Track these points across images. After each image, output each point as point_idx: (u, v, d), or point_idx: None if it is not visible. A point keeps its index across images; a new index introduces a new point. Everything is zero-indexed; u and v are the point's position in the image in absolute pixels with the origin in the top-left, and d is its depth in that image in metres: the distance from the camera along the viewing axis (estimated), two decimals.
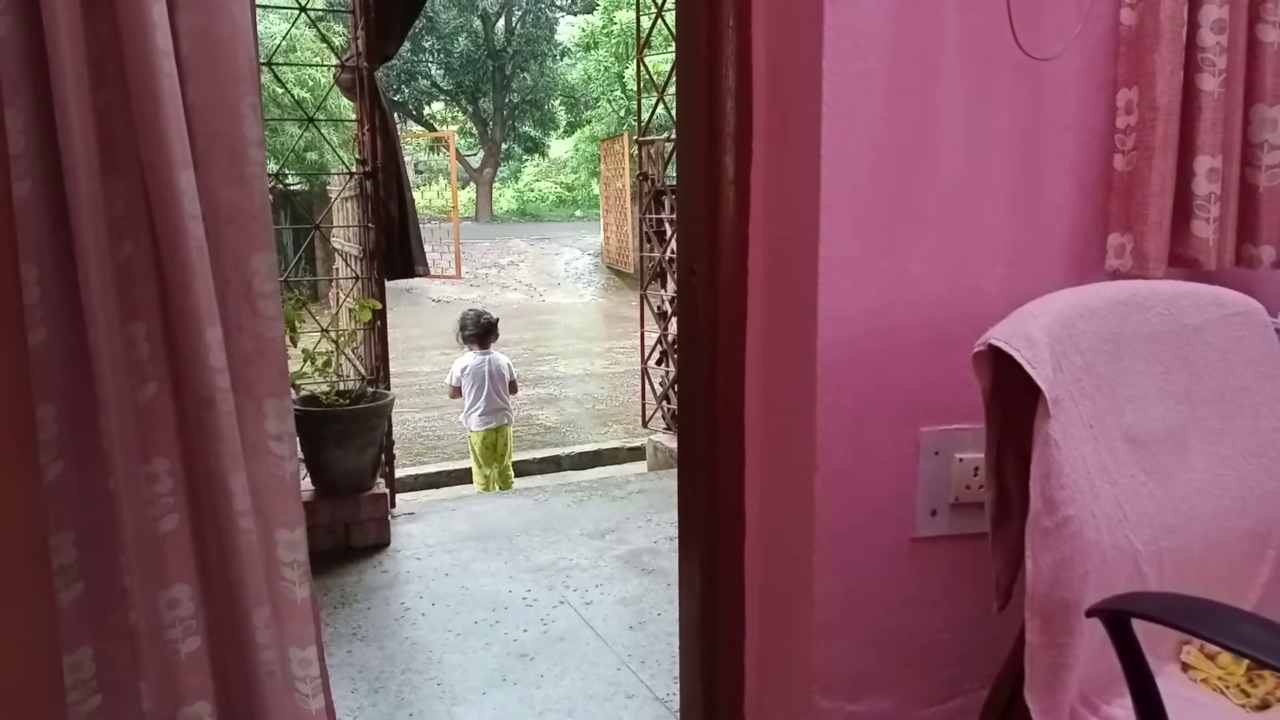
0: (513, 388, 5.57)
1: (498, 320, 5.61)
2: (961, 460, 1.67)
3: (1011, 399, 1.34)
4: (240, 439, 1.48)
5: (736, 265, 1.77)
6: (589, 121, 24.52)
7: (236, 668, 1.51)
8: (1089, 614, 1.18)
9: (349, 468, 3.62)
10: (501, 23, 24.32)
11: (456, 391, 5.51)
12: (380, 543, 3.64)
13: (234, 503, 1.44)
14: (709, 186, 1.77)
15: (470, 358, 5.42)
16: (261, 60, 1.81)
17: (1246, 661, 1.39)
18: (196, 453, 1.46)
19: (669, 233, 5.61)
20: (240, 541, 1.45)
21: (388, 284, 4.08)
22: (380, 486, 3.75)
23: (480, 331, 5.42)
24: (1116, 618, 1.14)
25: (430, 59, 23.80)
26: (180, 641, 1.47)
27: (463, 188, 22.45)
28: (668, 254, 5.59)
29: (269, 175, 1.47)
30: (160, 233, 1.37)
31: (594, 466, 7.16)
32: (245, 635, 1.47)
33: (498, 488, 5.60)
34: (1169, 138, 1.61)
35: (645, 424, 6.02)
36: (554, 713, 2.40)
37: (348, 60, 3.97)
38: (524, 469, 7.09)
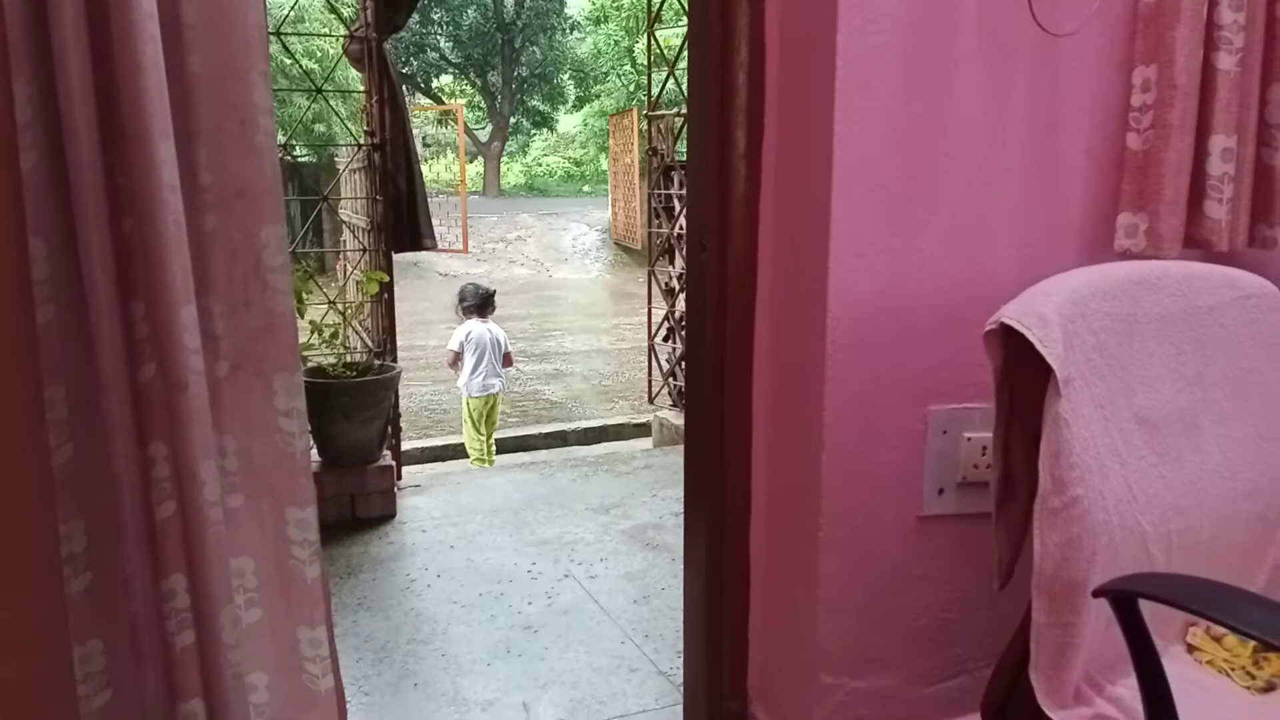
0: (507, 360, 5.85)
1: (495, 292, 5.90)
2: (970, 439, 1.67)
3: (1022, 378, 1.34)
4: (248, 416, 1.45)
5: (747, 242, 1.76)
6: (598, 96, 24.39)
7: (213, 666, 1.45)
8: (1096, 594, 1.18)
9: (355, 440, 3.64)
10: None
11: (457, 358, 5.77)
12: (386, 515, 3.65)
13: (204, 492, 1.38)
14: (720, 162, 1.75)
15: (474, 325, 5.69)
16: (269, 30, 1.79)
17: (1253, 643, 1.39)
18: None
19: (678, 209, 5.59)
20: (209, 534, 1.39)
21: (395, 257, 4.08)
22: (386, 459, 3.76)
23: (479, 302, 5.74)
24: (1123, 598, 1.14)
25: (439, 31, 23.64)
26: (176, 635, 1.41)
27: (470, 161, 22.31)
28: (676, 230, 5.58)
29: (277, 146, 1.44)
30: (140, 205, 1.32)
31: (600, 442, 7.19)
32: (212, 634, 1.42)
33: (488, 459, 5.73)
34: (1187, 117, 1.59)
35: (651, 400, 6.06)
36: (558, 685, 2.41)
37: (356, 31, 3.95)
38: (530, 444, 7.12)
